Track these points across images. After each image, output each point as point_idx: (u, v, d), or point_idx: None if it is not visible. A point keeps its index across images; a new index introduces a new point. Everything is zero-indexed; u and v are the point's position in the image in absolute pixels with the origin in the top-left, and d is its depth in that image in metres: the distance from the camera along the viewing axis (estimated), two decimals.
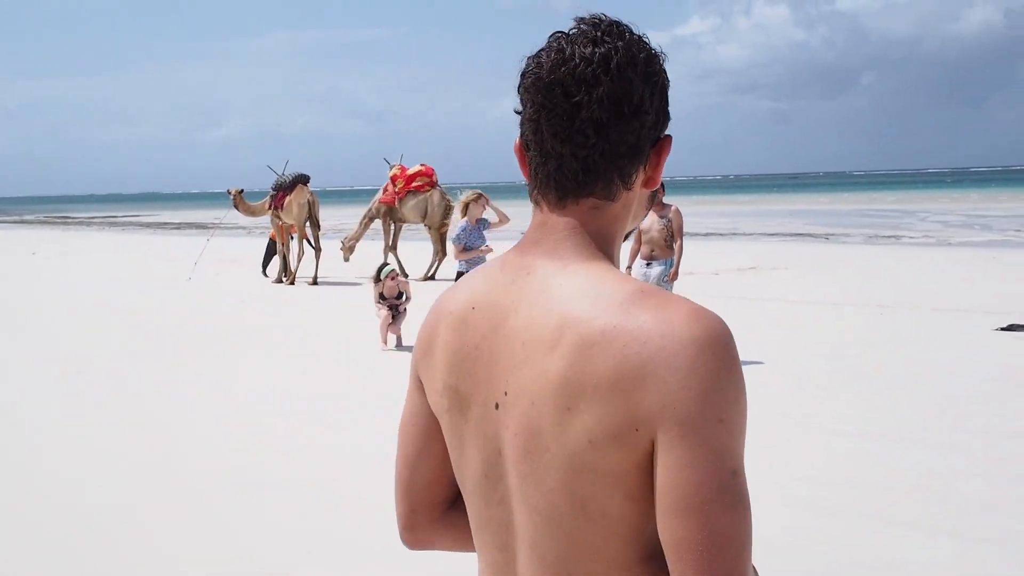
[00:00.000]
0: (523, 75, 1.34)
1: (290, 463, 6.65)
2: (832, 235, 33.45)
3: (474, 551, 1.49)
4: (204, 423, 7.83)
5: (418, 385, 1.50)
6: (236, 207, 20.19)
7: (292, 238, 19.70)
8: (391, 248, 20.11)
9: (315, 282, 18.72)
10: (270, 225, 19.97)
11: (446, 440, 1.45)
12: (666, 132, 1.38)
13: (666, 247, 10.08)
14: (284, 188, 18.76)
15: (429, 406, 1.48)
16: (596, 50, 1.29)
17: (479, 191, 10.43)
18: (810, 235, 33.71)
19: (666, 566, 1.20)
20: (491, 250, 10.18)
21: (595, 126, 1.29)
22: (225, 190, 20.86)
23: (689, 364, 1.16)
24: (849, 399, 8.15)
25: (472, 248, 10.03)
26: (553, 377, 1.24)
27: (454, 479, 1.52)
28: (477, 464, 1.38)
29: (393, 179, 20.00)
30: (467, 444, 1.39)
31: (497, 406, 1.33)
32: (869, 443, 6.79)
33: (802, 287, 16.55)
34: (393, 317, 11.41)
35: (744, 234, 34.63)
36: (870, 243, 29.80)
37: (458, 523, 1.55)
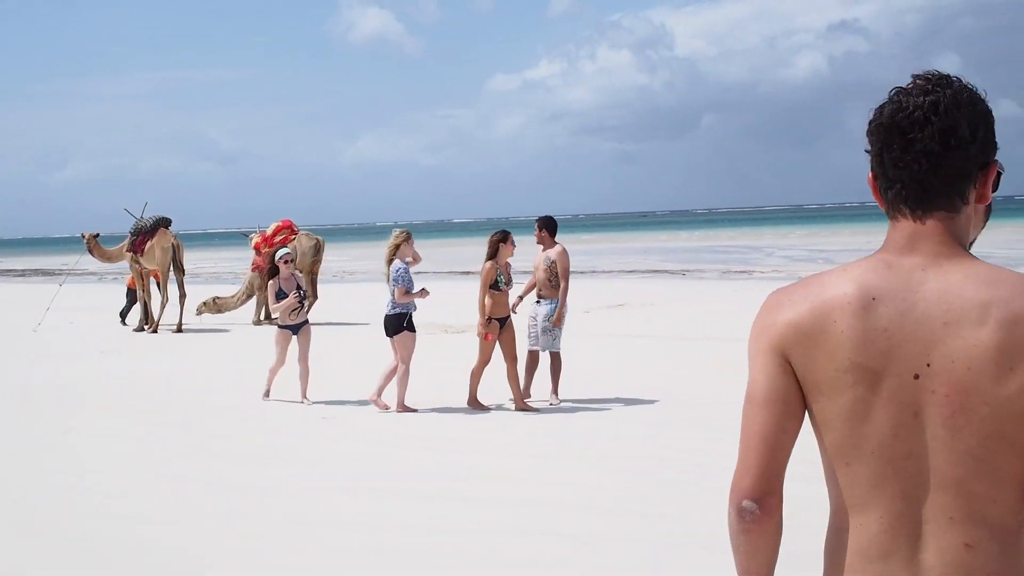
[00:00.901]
0: (869, 123, 1.79)
1: (170, 528, 6.22)
2: (688, 271, 34.47)
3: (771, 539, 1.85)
4: (71, 488, 7.25)
5: (784, 367, 1.80)
6: (91, 252, 19.13)
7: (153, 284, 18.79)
8: (267, 318, 19.43)
9: (180, 330, 17.89)
10: (129, 271, 19.01)
11: (834, 414, 1.75)
12: (994, 158, 1.78)
13: (550, 287, 10.08)
14: (145, 232, 17.91)
15: (791, 384, 1.80)
16: (927, 98, 1.72)
17: (407, 230, 10.21)
18: (667, 271, 34.60)
19: None
20: (428, 293, 10.04)
21: (927, 156, 1.72)
22: (79, 234, 19.78)
23: None
24: None
25: (412, 291, 9.82)
26: (989, 346, 1.64)
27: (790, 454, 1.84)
28: (886, 427, 1.71)
29: (257, 247, 19.50)
30: (875, 412, 1.72)
31: (917, 376, 1.69)
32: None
33: (677, 322, 16.90)
34: (294, 331, 10.46)
35: (603, 271, 35.21)
36: (725, 278, 30.81)
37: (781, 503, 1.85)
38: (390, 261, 9.91)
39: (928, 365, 1.68)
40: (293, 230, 19.67)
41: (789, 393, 1.80)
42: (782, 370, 1.79)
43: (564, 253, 10.13)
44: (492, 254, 9.74)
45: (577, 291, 23.31)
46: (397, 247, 9.93)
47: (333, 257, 19.88)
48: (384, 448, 8.33)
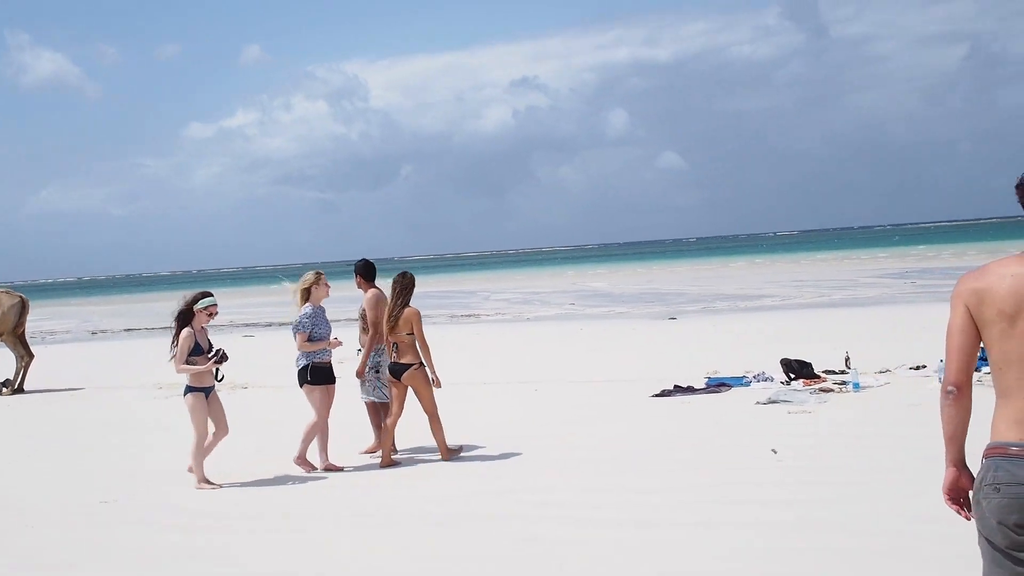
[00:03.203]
0: None
1: None
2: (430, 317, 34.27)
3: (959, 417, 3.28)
4: None
5: (966, 311, 3.21)
6: None
7: None
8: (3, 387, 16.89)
9: None
10: None
11: (992, 340, 3.17)
12: None
13: (365, 335, 9.58)
14: None
15: (972, 321, 3.20)
16: None
17: (318, 271, 9.25)
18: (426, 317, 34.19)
19: None
20: (340, 343, 9.16)
21: None
22: None
23: None
24: (564, 478, 8.07)
25: (319, 338, 8.94)
26: None
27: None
28: (1019, 348, 3.11)
29: None
30: (1013, 339, 3.12)
31: None
32: (605, 529, 6.69)
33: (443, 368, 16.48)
34: (207, 393, 8.61)
35: (332, 320, 34.11)
36: (455, 322, 30.92)
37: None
38: (302, 306, 9.06)
39: None
40: None
41: (970, 324, 3.21)
42: (967, 313, 3.21)
43: (372, 299, 9.58)
44: (408, 301, 9.06)
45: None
46: (307, 291, 9.10)
47: (29, 316, 17.98)
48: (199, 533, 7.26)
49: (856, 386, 11.50)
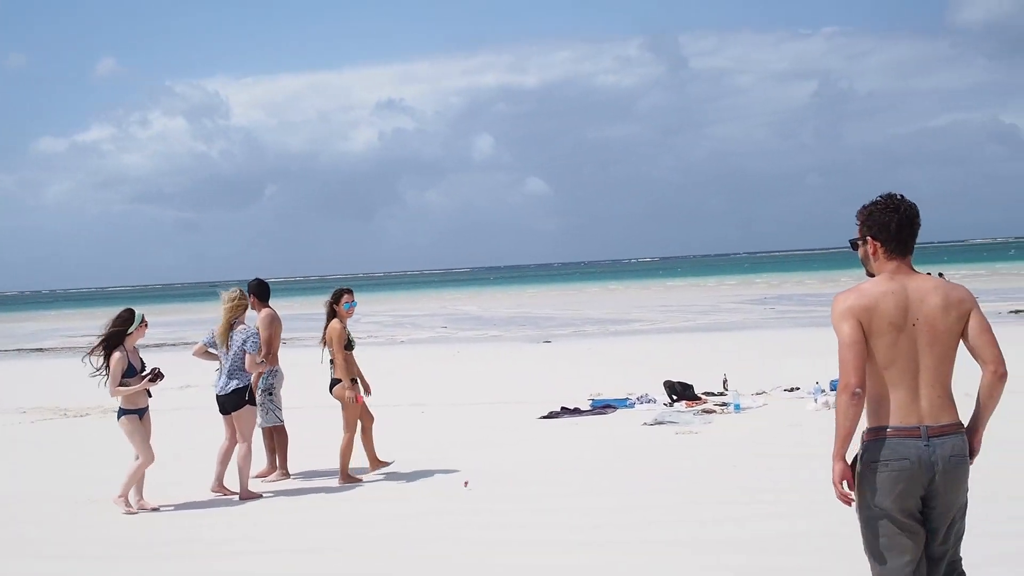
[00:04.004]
0: (882, 209, 3.91)
1: None
2: (285, 340, 33.51)
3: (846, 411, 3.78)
4: None
5: (859, 325, 3.78)
6: None
7: None
8: None
9: None
10: None
11: (882, 346, 3.78)
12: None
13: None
14: None
15: (864, 333, 3.78)
16: (911, 206, 3.94)
17: (239, 288, 8.88)
18: (296, 339, 33.47)
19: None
20: (269, 366, 9.06)
21: (912, 234, 3.92)
22: None
23: (973, 298, 3.93)
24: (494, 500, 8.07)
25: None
26: (938, 305, 3.82)
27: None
28: (904, 349, 3.78)
29: None
30: (900, 344, 3.78)
31: (914, 324, 3.80)
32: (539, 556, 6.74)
33: (323, 392, 16.20)
34: (141, 415, 8.22)
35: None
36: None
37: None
38: (231, 326, 8.64)
39: (917, 319, 3.80)
40: None
41: (863, 336, 3.77)
42: (859, 326, 3.78)
43: (266, 319, 9.39)
44: (333, 314, 9.06)
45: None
46: (245, 308, 8.78)
47: None
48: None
49: (737, 407, 11.91)
